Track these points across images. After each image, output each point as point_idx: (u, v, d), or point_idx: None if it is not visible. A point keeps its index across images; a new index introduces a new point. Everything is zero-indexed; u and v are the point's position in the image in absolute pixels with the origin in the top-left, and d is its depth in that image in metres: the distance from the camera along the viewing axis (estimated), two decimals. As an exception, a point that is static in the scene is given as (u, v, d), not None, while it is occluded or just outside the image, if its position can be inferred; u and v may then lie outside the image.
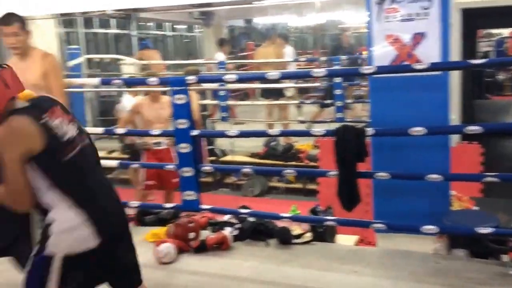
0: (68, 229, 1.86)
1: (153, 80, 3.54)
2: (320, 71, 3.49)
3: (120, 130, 4.53)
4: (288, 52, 8.31)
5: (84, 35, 11.05)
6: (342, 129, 3.10)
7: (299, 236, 3.66)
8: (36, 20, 6.85)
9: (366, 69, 3.20)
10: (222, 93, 7.34)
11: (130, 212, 4.02)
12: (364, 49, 6.71)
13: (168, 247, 3.41)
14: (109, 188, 2.10)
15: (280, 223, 3.71)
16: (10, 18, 3.39)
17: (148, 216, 4.13)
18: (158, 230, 3.81)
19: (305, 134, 4.38)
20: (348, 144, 3.02)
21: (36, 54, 3.52)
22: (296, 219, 3.52)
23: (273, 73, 3.25)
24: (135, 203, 3.83)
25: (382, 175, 3.06)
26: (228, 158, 7.12)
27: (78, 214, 1.86)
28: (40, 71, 3.45)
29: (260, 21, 14.48)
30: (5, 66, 1.96)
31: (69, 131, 1.94)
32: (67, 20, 10.05)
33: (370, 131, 3.09)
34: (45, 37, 7.09)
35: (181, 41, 15.55)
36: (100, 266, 1.98)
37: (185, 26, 15.37)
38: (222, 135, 3.72)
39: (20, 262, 2.47)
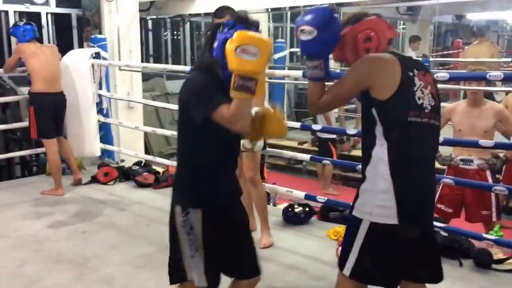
0: (373, 192, 1.83)
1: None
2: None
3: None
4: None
5: (290, 30, 11.48)
6: None
7: (501, 261, 3.21)
8: (251, 14, 7.36)
9: None
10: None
11: (316, 205, 4.06)
12: None
13: (351, 248, 3.31)
14: (429, 178, 1.95)
15: (478, 244, 3.32)
16: (223, 11, 3.58)
17: (333, 212, 4.08)
18: (341, 228, 3.73)
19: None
20: None
21: None
22: (501, 243, 3.08)
23: (495, 73, 2.84)
24: (321, 197, 3.79)
25: None
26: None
27: (388, 181, 1.81)
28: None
29: (473, 18, 13.26)
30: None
31: (426, 99, 1.85)
32: (277, 14, 10.55)
33: None
34: (257, 30, 7.54)
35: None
36: (402, 253, 1.88)
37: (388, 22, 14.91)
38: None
39: None
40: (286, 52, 9.00)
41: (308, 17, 1.87)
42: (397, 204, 1.80)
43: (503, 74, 2.84)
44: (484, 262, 3.21)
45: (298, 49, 11.11)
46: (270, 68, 6.84)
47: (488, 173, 3.77)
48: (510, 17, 11.94)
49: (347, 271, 1.89)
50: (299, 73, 4.02)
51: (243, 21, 1.90)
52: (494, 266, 3.18)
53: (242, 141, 3.35)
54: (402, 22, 14.01)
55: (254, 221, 3.64)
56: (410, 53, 8.34)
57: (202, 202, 2.00)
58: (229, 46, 1.74)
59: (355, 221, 1.87)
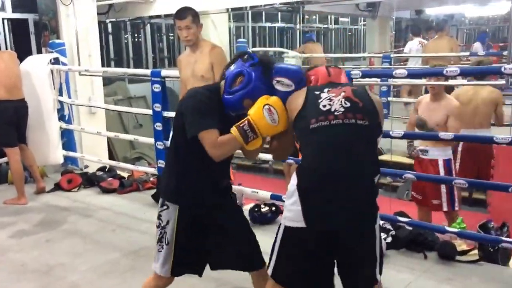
0: (287, 195, 1.89)
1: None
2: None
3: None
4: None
5: (252, 29, 11.50)
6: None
7: (464, 252, 3.29)
8: (211, 15, 7.30)
9: None
10: (383, 88, 7.03)
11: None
12: None
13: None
14: (350, 179, 1.83)
15: (442, 236, 3.40)
16: (184, 12, 3.56)
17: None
18: None
19: (485, 140, 3.69)
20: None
21: (205, 46, 3.66)
22: (463, 235, 3.15)
23: (452, 69, 2.91)
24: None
25: None
26: (384, 157, 6.74)
27: (294, 186, 1.85)
28: (208, 63, 3.59)
29: (432, 12, 13.56)
30: (334, 66, 2.15)
31: (335, 104, 1.89)
32: (238, 14, 10.54)
33: None
34: (218, 31, 7.52)
35: (344, 34, 15.33)
36: (314, 256, 1.88)
37: (348, 19, 15.12)
38: (386, 135, 3.30)
39: None
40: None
41: (288, 72, 2.03)
42: (302, 208, 1.81)
43: (459, 69, 2.92)
44: (448, 254, 3.26)
45: (260, 49, 11.15)
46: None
47: (440, 163, 3.94)
48: (468, 10, 12.24)
49: (270, 270, 1.97)
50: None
51: (264, 65, 2.04)
52: (458, 257, 3.24)
53: None
54: (362, 18, 14.25)
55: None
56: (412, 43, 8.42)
57: (180, 199, 2.13)
58: (262, 100, 1.95)
59: (279, 224, 1.95)
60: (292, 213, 1.84)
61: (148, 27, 9.71)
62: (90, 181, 5.15)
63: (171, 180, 2.15)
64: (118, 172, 5.37)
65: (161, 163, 4.42)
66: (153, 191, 4.76)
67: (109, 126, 6.34)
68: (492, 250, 3.23)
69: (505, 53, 6.81)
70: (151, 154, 7.07)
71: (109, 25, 9.06)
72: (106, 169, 5.38)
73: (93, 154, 5.50)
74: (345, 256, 1.90)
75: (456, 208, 4.03)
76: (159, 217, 2.17)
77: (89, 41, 5.82)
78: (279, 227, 1.95)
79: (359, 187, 1.85)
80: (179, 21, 3.56)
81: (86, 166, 5.61)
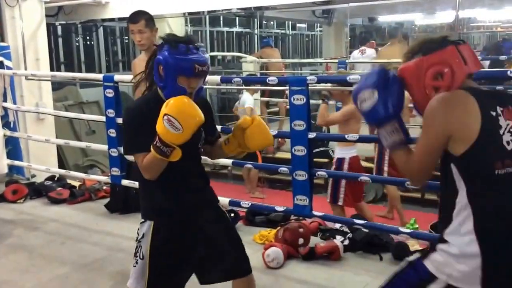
0: (456, 256, 1.53)
1: (272, 79, 3.41)
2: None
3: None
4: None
5: (210, 33, 11.42)
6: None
7: (417, 252, 3.32)
8: (167, 19, 7.19)
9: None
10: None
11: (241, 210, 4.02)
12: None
13: (276, 252, 3.30)
14: None
15: (397, 237, 3.42)
16: (137, 16, 3.49)
17: (258, 216, 4.08)
18: (267, 232, 3.76)
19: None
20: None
21: None
22: (416, 235, 3.18)
23: (353, 76, 2.97)
24: (245, 202, 3.75)
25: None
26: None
27: (474, 245, 1.49)
28: (162, 68, 3.51)
29: (385, 20, 13.90)
30: (462, 41, 1.64)
31: None
32: (195, 18, 10.45)
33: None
34: (175, 35, 7.38)
35: (301, 40, 15.48)
36: None
37: (305, 25, 15.30)
38: (342, 138, 3.36)
39: None
40: (206, 56, 8.94)
41: (363, 83, 1.68)
42: (485, 274, 1.49)
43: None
44: (401, 255, 3.28)
45: (218, 53, 11.10)
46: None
47: (346, 160, 4.24)
48: (417, 19, 12.64)
49: None
50: (217, 78, 4.01)
51: (168, 41, 1.96)
52: (412, 258, 3.28)
53: None
54: (319, 24, 14.44)
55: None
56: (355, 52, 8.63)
57: (154, 215, 2.07)
58: (162, 109, 1.83)
59: (426, 274, 1.59)
60: (464, 276, 1.52)
61: (101, 30, 9.47)
62: (37, 191, 4.91)
63: (142, 196, 2.14)
64: (69, 181, 5.16)
65: (115, 171, 4.26)
66: (107, 200, 4.59)
67: (59, 132, 6.12)
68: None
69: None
70: (105, 161, 6.86)
71: (59, 28, 8.78)
72: (56, 178, 5.16)
73: (41, 163, 5.26)
74: None
75: (339, 203, 4.26)
76: (138, 230, 2.12)
77: (36, 44, 5.61)
78: (426, 278, 1.60)
79: None
80: (132, 24, 3.50)
81: (33, 176, 5.38)
